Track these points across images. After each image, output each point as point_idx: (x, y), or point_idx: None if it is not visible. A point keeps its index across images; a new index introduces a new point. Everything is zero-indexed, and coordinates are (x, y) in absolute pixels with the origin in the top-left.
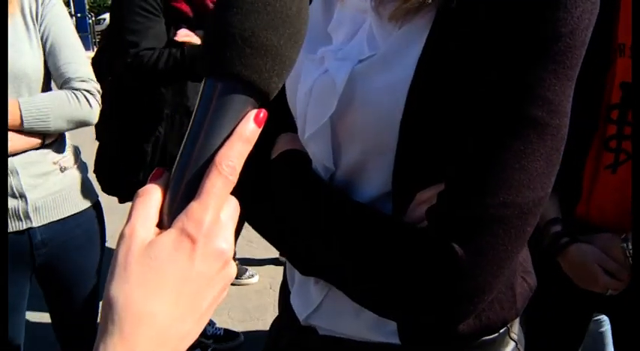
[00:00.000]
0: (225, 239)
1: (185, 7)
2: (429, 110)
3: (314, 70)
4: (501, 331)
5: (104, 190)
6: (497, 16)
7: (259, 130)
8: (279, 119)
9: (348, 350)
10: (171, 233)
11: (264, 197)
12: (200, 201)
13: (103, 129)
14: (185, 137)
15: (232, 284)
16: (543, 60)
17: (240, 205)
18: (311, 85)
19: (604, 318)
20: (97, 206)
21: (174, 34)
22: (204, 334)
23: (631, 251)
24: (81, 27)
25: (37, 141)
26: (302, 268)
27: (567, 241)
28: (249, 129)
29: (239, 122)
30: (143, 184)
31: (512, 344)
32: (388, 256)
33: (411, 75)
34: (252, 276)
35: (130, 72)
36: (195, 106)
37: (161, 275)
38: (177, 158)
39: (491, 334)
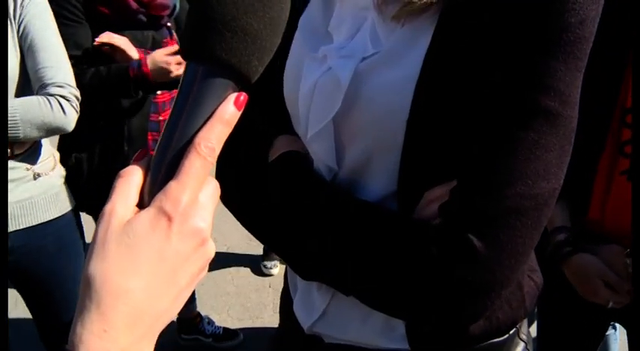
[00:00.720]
0: (202, 218)
1: (106, 10)
2: (437, 107)
3: (316, 69)
4: (511, 332)
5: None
6: (506, 8)
7: (239, 113)
8: (277, 121)
9: None
10: (149, 212)
11: (262, 201)
12: (178, 180)
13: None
14: (167, 120)
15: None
16: (553, 50)
17: (238, 209)
18: (314, 83)
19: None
20: (72, 214)
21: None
22: (203, 332)
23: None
24: None
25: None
26: (304, 272)
27: (570, 251)
28: (228, 111)
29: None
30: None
31: (521, 345)
32: (401, 252)
33: (418, 71)
34: (275, 267)
35: None
36: (178, 90)
37: (138, 253)
38: (159, 140)
39: (501, 336)
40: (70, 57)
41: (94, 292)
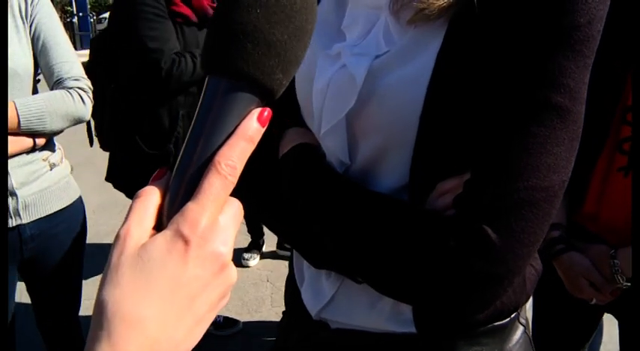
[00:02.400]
0: (223, 242)
1: (188, 11)
2: (450, 103)
3: (330, 66)
4: (512, 316)
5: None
6: (518, 8)
7: (263, 129)
8: (291, 114)
9: (362, 342)
10: (165, 235)
11: (274, 192)
12: (197, 201)
13: (112, 137)
14: (187, 137)
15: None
16: (563, 49)
17: (250, 201)
18: (328, 81)
19: None
20: (79, 201)
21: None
22: None
23: (617, 268)
24: (83, 26)
25: (28, 145)
26: (316, 261)
27: (562, 249)
28: (252, 128)
29: (242, 121)
30: None
31: (521, 328)
32: (416, 242)
33: (431, 68)
34: (252, 259)
35: (168, 79)
36: (198, 105)
37: (153, 278)
38: (179, 158)
39: (503, 319)
40: (176, 53)
41: (106, 320)
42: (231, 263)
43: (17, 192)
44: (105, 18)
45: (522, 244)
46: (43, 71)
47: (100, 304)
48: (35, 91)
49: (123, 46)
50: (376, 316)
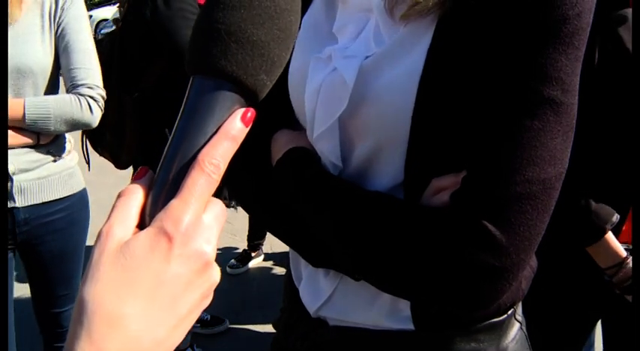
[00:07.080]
0: (206, 240)
1: None
2: (441, 99)
3: (321, 69)
4: (509, 312)
5: None
6: (507, 3)
7: (247, 129)
8: (281, 117)
9: (360, 339)
10: (148, 232)
11: (271, 195)
12: (180, 199)
13: (137, 148)
14: (171, 136)
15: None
16: (554, 42)
17: (247, 202)
18: (319, 84)
19: None
20: (82, 195)
21: None
22: None
23: None
24: None
25: (29, 141)
26: (315, 260)
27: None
28: (235, 127)
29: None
30: None
31: (517, 325)
32: (420, 240)
33: (421, 67)
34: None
35: None
36: (183, 104)
37: (135, 276)
38: (162, 157)
39: (500, 316)
40: None
41: (86, 318)
42: (214, 263)
43: (14, 177)
44: (90, 16)
45: (523, 237)
46: (63, 73)
47: (80, 302)
48: (57, 86)
49: (148, 48)
50: (375, 313)
